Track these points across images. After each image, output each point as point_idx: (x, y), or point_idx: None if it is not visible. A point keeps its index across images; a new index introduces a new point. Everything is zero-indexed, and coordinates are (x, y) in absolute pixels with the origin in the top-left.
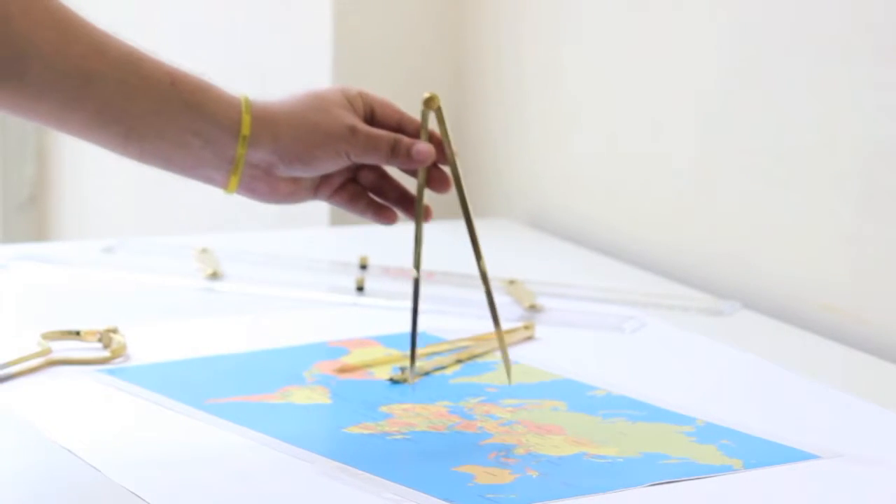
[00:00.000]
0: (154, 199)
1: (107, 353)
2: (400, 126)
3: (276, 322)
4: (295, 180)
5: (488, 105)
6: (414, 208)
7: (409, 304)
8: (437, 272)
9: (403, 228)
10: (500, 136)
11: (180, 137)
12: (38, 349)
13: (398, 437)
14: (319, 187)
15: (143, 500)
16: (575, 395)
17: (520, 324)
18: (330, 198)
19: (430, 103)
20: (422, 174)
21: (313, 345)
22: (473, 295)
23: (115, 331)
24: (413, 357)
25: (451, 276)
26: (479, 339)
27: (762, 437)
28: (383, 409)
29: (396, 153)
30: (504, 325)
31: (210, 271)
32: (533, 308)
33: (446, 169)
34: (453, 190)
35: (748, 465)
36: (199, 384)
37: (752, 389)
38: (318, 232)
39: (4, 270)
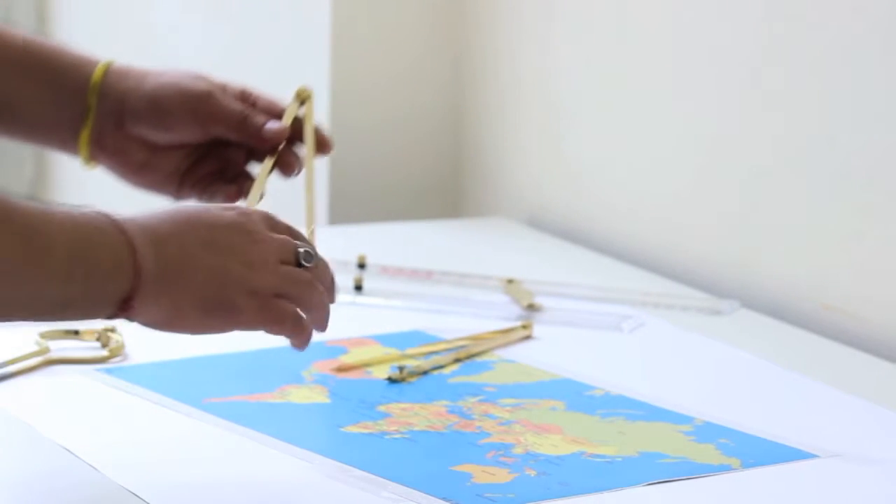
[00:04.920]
0: (153, 199)
1: (105, 353)
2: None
3: None
4: (149, 150)
5: (486, 103)
6: (246, 189)
7: (407, 303)
8: (435, 271)
9: (402, 228)
10: (498, 134)
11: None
12: (37, 348)
13: (397, 436)
14: (170, 177)
15: (141, 500)
16: (573, 394)
17: (518, 323)
18: (180, 188)
19: (301, 95)
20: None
21: (311, 344)
22: (471, 294)
23: (113, 330)
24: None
25: (449, 275)
26: (477, 338)
27: (760, 437)
28: (382, 408)
29: (248, 123)
30: (502, 325)
31: None
32: (531, 307)
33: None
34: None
35: (746, 465)
36: (198, 383)
37: (751, 389)
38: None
39: None
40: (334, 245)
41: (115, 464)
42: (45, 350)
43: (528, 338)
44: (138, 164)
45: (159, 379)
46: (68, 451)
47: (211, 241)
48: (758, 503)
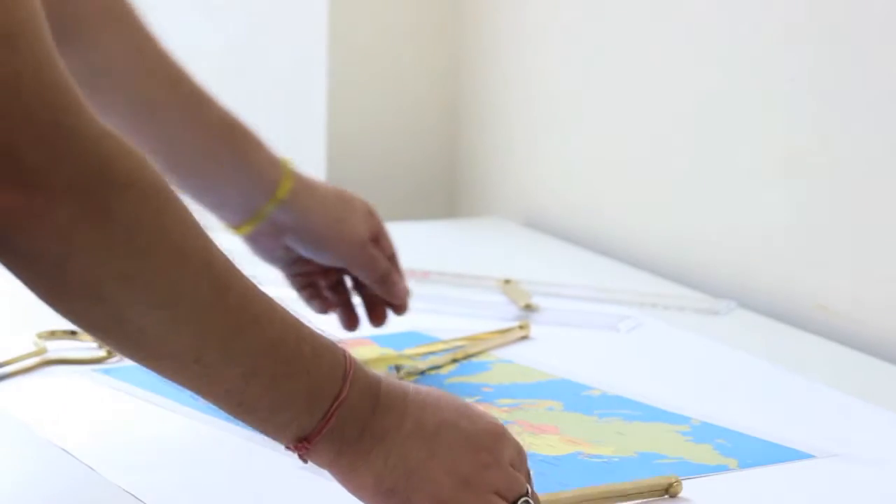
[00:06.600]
0: None
1: (102, 353)
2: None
3: None
4: (287, 250)
5: (484, 104)
6: (343, 315)
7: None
8: (432, 272)
9: (399, 228)
10: (495, 134)
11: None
12: (34, 349)
13: None
14: (289, 267)
15: (138, 500)
16: (570, 394)
17: (515, 323)
18: (292, 277)
19: None
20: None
21: None
22: (468, 295)
23: None
24: None
25: (446, 275)
26: (474, 338)
27: (757, 437)
28: None
29: (389, 281)
30: (499, 325)
31: None
32: (528, 308)
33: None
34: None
35: (743, 465)
36: None
37: (748, 389)
38: None
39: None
40: None
41: (113, 464)
42: (43, 350)
43: (525, 338)
44: (273, 255)
45: (156, 379)
46: (66, 451)
47: (434, 435)
48: (755, 503)
